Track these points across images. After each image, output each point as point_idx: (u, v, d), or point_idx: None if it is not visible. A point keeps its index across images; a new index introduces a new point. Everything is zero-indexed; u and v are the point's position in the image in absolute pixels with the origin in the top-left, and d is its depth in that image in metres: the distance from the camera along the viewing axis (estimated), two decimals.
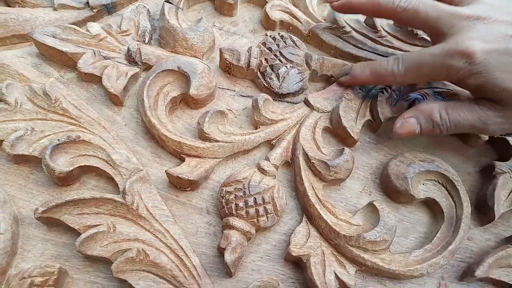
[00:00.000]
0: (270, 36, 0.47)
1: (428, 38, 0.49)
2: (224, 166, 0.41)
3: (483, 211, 0.42)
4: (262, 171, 0.38)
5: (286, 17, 0.50)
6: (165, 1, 0.46)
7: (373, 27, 0.50)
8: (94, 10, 0.46)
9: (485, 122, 0.37)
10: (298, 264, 0.37)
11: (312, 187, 0.39)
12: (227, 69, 0.46)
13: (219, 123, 0.41)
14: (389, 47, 0.48)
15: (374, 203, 0.38)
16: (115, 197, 0.36)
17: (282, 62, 0.44)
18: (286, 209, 0.39)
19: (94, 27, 0.44)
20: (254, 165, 0.41)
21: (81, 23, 0.46)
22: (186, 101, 0.43)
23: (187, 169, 0.38)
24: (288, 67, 0.44)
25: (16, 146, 0.37)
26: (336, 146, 0.44)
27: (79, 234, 0.34)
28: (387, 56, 0.47)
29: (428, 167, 0.41)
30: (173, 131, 0.40)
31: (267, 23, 0.50)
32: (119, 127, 0.42)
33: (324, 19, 0.51)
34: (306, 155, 0.40)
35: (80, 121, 0.40)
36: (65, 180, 0.38)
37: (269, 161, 0.40)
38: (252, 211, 0.36)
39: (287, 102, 0.45)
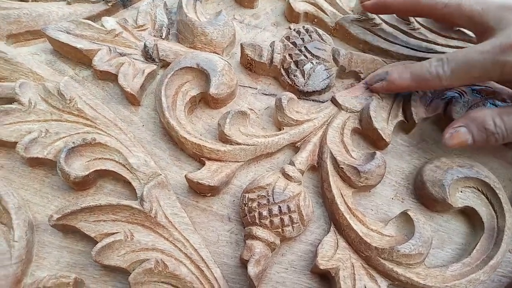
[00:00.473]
0: (294, 29, 0.44)
1: (465, 30, 0.46)
2: (246, 170, 0.39)
3: None
4: (287, 176, 0.36)
5: (310, 9, 0.47)
6: None
7: (405, 19, 0.46)
8: (109, 4, 0.44)
9: None
10: (325, 277, 0.35)
11: (341, 194, 0.36)
12: (249, 65, 0.43)
13: (240, 124, 0.38)
14: (423, 40, 0.45)
15: (409, 212, 0.35)
16: (133, 204, 0.34)
17: (307, 58, 0.41)
18: (312, 217, 0.36)
19: (109, 22, 0.42)
20: (278, 169, 0.38)
21: (96, 17, 0.44)
22: (205, 100, 0.41)
23: (208, 174, 0.36)
24: (314, 63, 0.41)
25: (30, 149, 0.36)
26: (365, 149, 0.41)
27: (96, 241, 0.33)
28: (420, 51, 0.44)
29: (467, 173, 0.37)
30: (192, 133, 0.37)
31: (291, 16, 0.47)
32: (136, 128, 0.40)
33: (352, 10, 0.48)
34: (334, 160, 0.37)
35: (96, 122, 0.38)
36: (81, 184, 0.36)
37: (294, 165, 0.37)
38: (276, 220, 0.34)
39: (313, 100, 0.43)
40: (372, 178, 0.36)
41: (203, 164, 0.37)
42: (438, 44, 0.45)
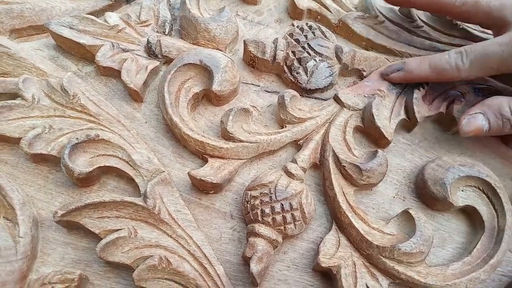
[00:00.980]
0: (298, 26, 0.43)
1: (469, 29, 0.46)
2: (248, 167, 0.39)
3: None
4: (289, 174, 0.36)
5: (314, 6, 0.47)
6: None
7: (409, 17, 0.46)
8: None
9: None
10: (327, 274, 0.36)
11: (343, 192, 0.36)
12: (251, 62, 0.43)
13: (243, 121, 0.38)
14: (426, 38, 0.45)
15: (410, 211, 0.35)
16: (136, 201, 0.34)
17: (310, 55, 0.41)
18: (314, 215, 0.37)
19: (112, 18, 0.42)
20: (280, 167, 0.39)
21: (99, 12, 0.44)
22: (208, 97, 0.41)
23: (211, 171, 0.36)
24: (317, 60, 0.41)
25: (34, 145, 0.36)
26: (367, 147, 0.41)
27: (100, 237, 0.33)
28: (424, 49, 0.44)
29: (469, 172, 0.38)
30: (195, 130, 0.37)
31: (294, 12, 0.47)
32: (139, 124, 0.40)
33: (355, 8, 0.47)
34: (336, 158, 0.37)
35: (99, 119, 0.38)
36: (84, 181, 0.36)
37: (297, 163, 0.37)
38: (279, 218, 0.34)
39: (315, 98, 0.43)
40: (374, 176, 0.36)
41: (205, 161, 0.37)
42: (441, 43, 0.44)
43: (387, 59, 0.43)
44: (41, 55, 0.41)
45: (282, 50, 0.42)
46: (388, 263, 0.34)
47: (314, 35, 0.42)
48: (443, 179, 0.37)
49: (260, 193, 0.35)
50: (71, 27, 0.40)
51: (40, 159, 0.37)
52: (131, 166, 0.37)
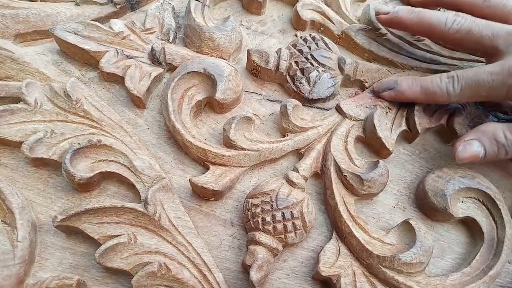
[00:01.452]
0: (301, 37, 0.44)
1: None
2: (249, 175, 0.39)
3: None
4: (290, 183, 0.36)
5: (317, 17, 0.47)
6: None
7: None
8: (118, 6, 0.44)
9: None
10: (326, 283, 0.35)
11: (344, 201, 0.37)
12: (254, 71, 0.43)
13: (245, 129, 0.39)
14: (427, 51, 0.45)
15: (410, 221, 0.35)
16: (137, 207, 0.34)
17: (313, 66, 0.42)
18: (315, 224, 0.37)
19: (118, 24, 0.42)
20: (281, 175, 0.39)
21: (104, 19, 0.44)
22: (211, 105, 0.41)
23: (212, 179, 0.36)
24: (320, 71, 0.42)
25: (35, 149, 0.36)
26: (368, 157, 0.41)
27: (98, 243, 0.33)
28: (425, 62, 0.45)
29: (469, 184, 0.38)
30: (197, 137, 0.38)
31: (297, 23, 0.47)
32: (141, 130, 0.40)
33: (358, 20, 0.48)
34: (338, 167, 0.37)
35: (102, 124, 0.38)
36: (85, 186, 0.36)
37: (298, 172, 0.37)
38: (279, 226, 0.34)
39: (317, 108, 0.43)
40: (375, 186, 0.37)
41: (207, 168, 0.37)
42: (442, 56, 0.45)
43: (389, 71, 0.44)
44: (45, 60, 0.42)
45: (285, 60, 0.42)
46: (388, 273, 0.34)
47: (317, 46, 0.43)
48: (443, 191, 0.37)
49: (261, 201, 0.35)
50: (76, 33, 0.41)
51: (40, 163, 0.37)
52: (132, 172, 0.37)
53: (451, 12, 0.39)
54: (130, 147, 0.37)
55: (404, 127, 0.41)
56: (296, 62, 0.42)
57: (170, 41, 0.43)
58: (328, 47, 0.43)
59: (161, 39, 0.43)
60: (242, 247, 0.36)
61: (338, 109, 0.41)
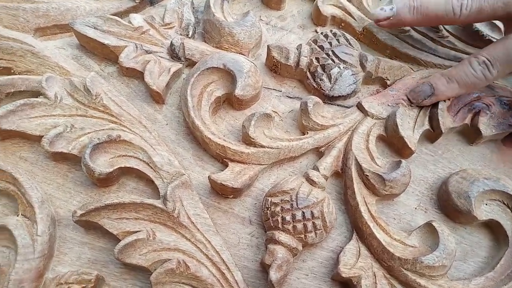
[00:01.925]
0: (322, 33, 0.43)
1: (494, 40, 0.45)
2: (268, 173, 0.39)
3: None
4: (311, 182, 0.36)
5: (338, 13, 0.46)
6: None
7: (434, 27, 0.45)
8: (137, 1, 0.44)
9: None
10: (346, 285, 0.35)
11: (365, 201, 0.36)
12: (274, 67, 0.43)
13: (265, 127, 0.38)
14: (451, 48, 0.44)
15: (433, 223, 0.35)
16: (156, 203, 0.34)
17: (334, 62, 0.41)
18: (335, 224, 0.36)
19: (137, 19, 0.42)
20: (300, 173, 0.38)
21: (123, 14, 0.44)
22: (230, 101, 0.41)
23: (231, 176, 0.36)
24: (341, 67, 0.41)
25: (55, 143, 0.36)
26: (390, 156, 0.40)
27: (117, 239, 0.33)
28: (448, 59, 0.43)
29: (494, 186, 0.37)
30: (216, 134, 0.37)
31: (318, 19, 0.46)
32: (160, 126, 0.40)
33: None
34: (359, 166, 0.37)
35: (121, 119, 0.38)
36: (104, 181, 0.36)
37: (319, 171, 0.37)
38: (299, 226, 0.34)
39: (338, 105, 0.42)
40: (397, 187, 0.36)
41: (225, 165, 0.37)
42: (465, 53, 0.44)
43: (411, 68, 0.43)
44: (65, 54, 0.42)
45: (306, 56, 0.41)
46: (409, 276, 0.33)
47: (339, 42, 0.42)
48: (467, 192, 0.36)
49: (281, 200, 0.35)
50: (96, 27, 0.41)
51: (60, 157, 0.37)
52: (151, 168, 0.36)
53: None
54: (149, 142, 0.37)
55: (427, 126, 0.40)
56: (317, 59, 0.41)
57: (189, 36, 0.43)
58: (350, 44, 0.42)
59: (180, 34, 0.43)
60: (261, 245, 0.36)
61: (360, 106, 0.40)
